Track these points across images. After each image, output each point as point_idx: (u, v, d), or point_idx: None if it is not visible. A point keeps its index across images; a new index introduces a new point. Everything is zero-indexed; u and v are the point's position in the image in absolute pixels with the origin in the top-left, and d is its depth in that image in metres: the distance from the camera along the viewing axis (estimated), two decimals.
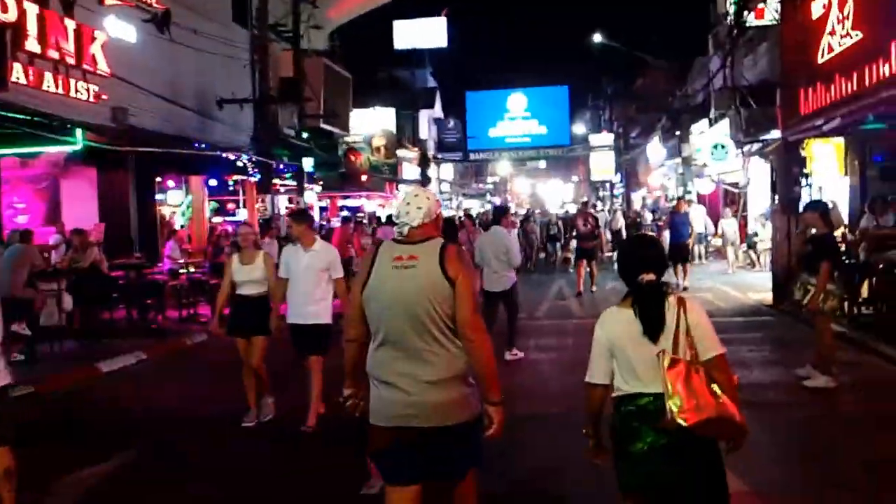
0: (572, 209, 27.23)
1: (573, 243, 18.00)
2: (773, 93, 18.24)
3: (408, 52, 46.87)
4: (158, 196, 17.37)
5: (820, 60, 11.69)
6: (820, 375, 7.71)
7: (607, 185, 51.96)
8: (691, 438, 3.03)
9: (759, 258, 18.63)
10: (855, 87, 10.21)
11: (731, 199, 24.29)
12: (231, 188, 19.64)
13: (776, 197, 13.51)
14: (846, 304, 9.10)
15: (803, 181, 13.19)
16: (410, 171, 41.74)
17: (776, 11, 18.20)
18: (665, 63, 40.63)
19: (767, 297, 13.94)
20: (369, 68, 42.66)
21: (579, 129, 51.64)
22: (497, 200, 62.20)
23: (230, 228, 17.45)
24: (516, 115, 49.90)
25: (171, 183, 17.92)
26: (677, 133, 26.89)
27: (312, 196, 23.06)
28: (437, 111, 51.48)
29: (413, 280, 3.36)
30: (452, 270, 3.36)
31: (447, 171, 54.57)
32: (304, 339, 6.86)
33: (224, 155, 16.44)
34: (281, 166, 19.36)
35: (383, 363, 3.43)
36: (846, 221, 13.25)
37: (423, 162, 42.22)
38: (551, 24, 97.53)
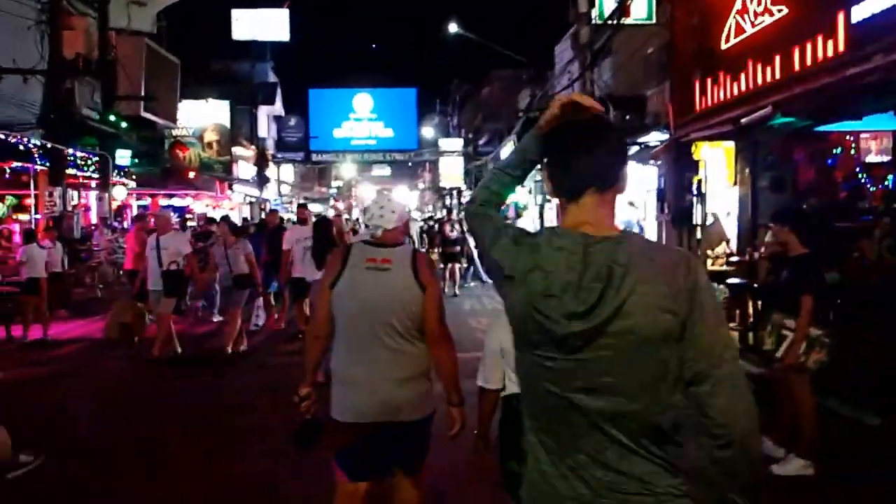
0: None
1: (437, 249, 18.29)
2: (639, 101, 16.91)
3: (247, 44, 44.13)
4: None
5: (724, 46, 10.02)
6: (794, 458, 5.43)
7: (454, 192, 50.40)
8: None
9: None
10: (778, 75, 8.51)
11: None
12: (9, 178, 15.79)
13: (664, 207, 11.75)
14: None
15: (694, 189, 11.49)
16: (246, 170, 38.62)
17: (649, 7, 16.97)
18: (511, 72, 39.95)
19: None
20: (205, 57, 39.46)
21: (427, 132, 49.71)
22: (340, 205, 59.78)
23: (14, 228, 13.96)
24: (362, 116, 47.67)
25: None
26: None
27: (121, 192, 19.53)
28: (279, 108, 48.64)
29: (388, 283, 3.45)
30: (424, 277, 3.49)
31: (287, 172, 51.70)
32: None
33: None
34: (77, 154, 15.89)
35: (351, 361, 3.51)
36: (729, 237, 11.81)
37: (261, 161, 39.08)
38: (400, 20, 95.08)
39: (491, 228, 2.00)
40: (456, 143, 46.05)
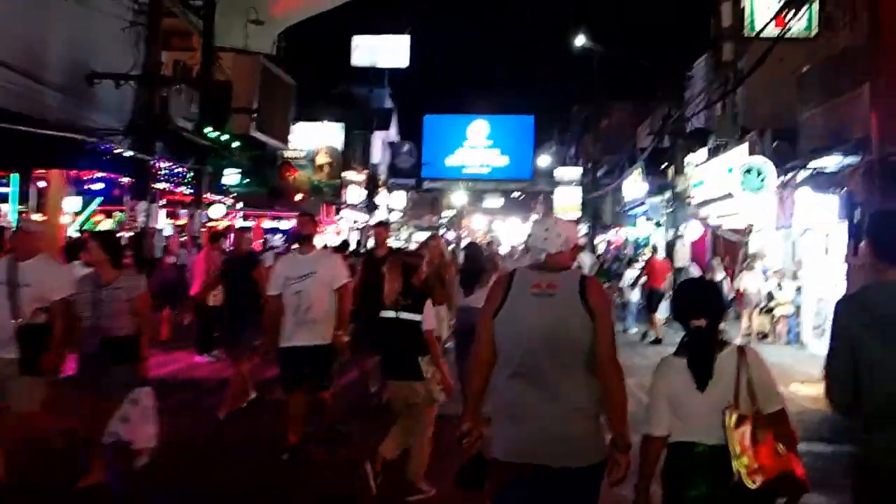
0: None
1: None
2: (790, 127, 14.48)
3: (366, 70, 43.88)
4: None
5: None
6: None
7: None
8: (747, 492, 2.95)
9: (774, 327, 14.55)
10: None
11: (724, 250, 20.50)
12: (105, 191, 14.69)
13: (856, 248, 9.31)
14: None
15: None
16: (356, 194, 37.74)
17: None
18: (630, 105, 37.84)
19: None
20: (323, 81, 39.22)
21: (543, 161, 47.75)
22: (451, 235, 58.60)
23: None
24: (476, 144, 46.56)
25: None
26: (662, 167, 22.99)
27: (219, 211, 18.45)
28: (393, 134, 48.16)
29: (554, 309, 3.30)
30: (594, 302, 3.30)
31: (399, 199, 50.89)
32: None
33: (82, 140, 11.88)
34: (175, 168, 14.82)
35: (515, 394, 3.33)
36: None
37: (372, 186, 38.17)
38: (520, 48, 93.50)
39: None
40: (574, 173, 43.73)
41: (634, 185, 27.27)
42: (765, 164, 12.70)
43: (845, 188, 9.65)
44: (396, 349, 5.62)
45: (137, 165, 13.04)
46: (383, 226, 9.88)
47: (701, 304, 3.24)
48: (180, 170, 15.12)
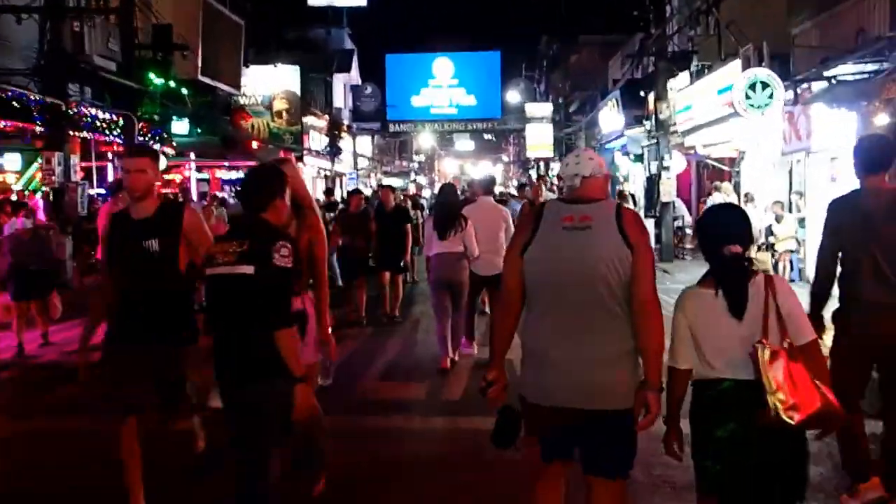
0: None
1: None
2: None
3: (323, 10, 41.94)
4: None
5: None
6: None
7: (541, 164, 46.50)
8: (779, 427, 2.89)
9: (777, 265, 13.18)
10: None
11: (711, 180, 19.27)
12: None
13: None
14: None
15: None
16: (318, 141, 35.99)
17: None
18: (601, 37, 36.32)
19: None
20: (279, 24, 37.33)
21: (513, 98, 45.90)
22: (422, 180, 56.94)
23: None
24: (442, 83, 44.70)
25: None
26: (641, 94, 21.44)
27: (161, 162, 16.68)
28: (355, 77, 46.19)
29: (589, 244, 3.07)
30: (633, 236, 3.06)
31: (365, 144, 49.16)
32: None
33: None
34: (97, 113, 12.99)
35: (547, 336, 3.14)
36: None
37: (333, 131, 36.34)
38: None
39: None
40: (545, 109, 42.14)
41: (610, 116, 25.72)
42: (771, 76, 11.13)
43: (874, 101, 8.17)
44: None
45: (50, 111, 11.25)
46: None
47: (733, 230, 3.09)
48: (106, 116, 13.28)
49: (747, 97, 11.00)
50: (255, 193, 3.54)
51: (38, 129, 11.49)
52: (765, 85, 11.01)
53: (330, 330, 4.29)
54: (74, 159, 11.66)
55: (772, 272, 13.14)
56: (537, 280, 3.13)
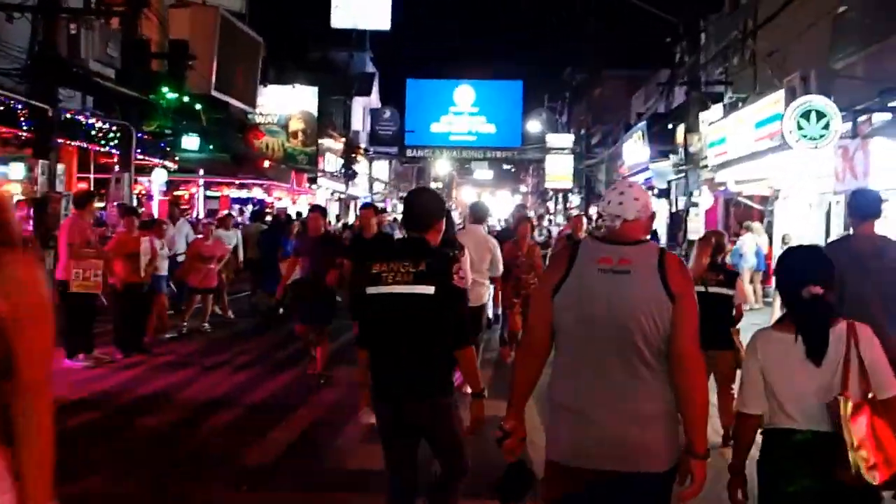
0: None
1: None
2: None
3: (348, 33, 41.63)
4: None
5: None
6: None
7: (560, 195, 45.63)
8: (856, 486, 2.71)
9: None
10: None
11: (740, 219, 18.32)
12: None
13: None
14: None
15: None
16: (334, 163, 35.42)
17: None
18: (626, 71, 35.74)
19: None
20: (302, 45, 37.11)
21: (533, 128, 45.18)
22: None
23: None
24: (462, 110, 44.11)
25: None
26: (669, 126, 20.56)
27: (161, 176, 15.91)
28: (375, 101, 45.71)
29: (627, 290, 2.81)
30: (675, 282, 2.81)
31: (382, 169, 48.65)
32: None
33: None
34: (93, 122, 12.20)
35: (577, 388, 2.89)
36: None
37: (348, 153, 35.74)
38: (508, 7, 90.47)
39: None
40: (566, 140, 41.44)
41: (635, 148, 24.82)
42: (828, 105, 10.05)
43: None
44: None
45: (36, 116, 10.46)
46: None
47: (816, 270, 2.93)
48: (100, 124, 12.48)
49: (799, 127, 9.97)
50: (422, 216, 3.67)
51: (23, 134, 10.72)
52: (820, 115, 9.96)
53: None
54: (61, 168, 10.86)
55: None
56: (568, 325, 2.89)
